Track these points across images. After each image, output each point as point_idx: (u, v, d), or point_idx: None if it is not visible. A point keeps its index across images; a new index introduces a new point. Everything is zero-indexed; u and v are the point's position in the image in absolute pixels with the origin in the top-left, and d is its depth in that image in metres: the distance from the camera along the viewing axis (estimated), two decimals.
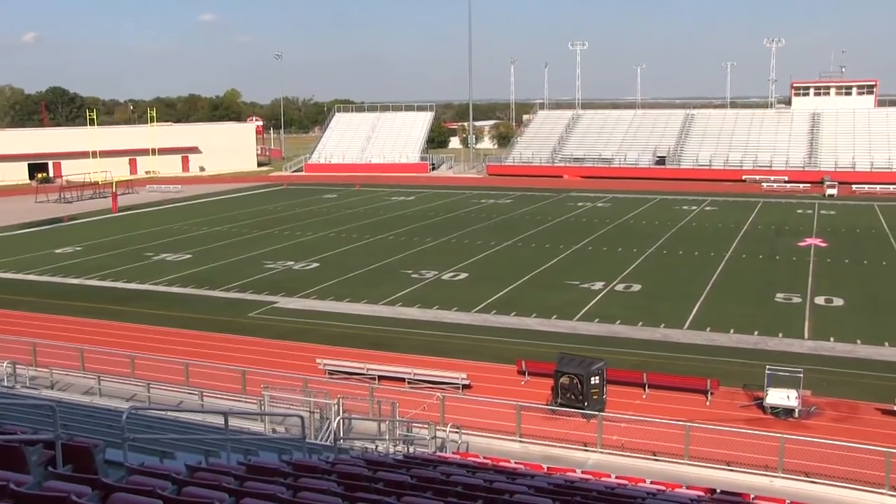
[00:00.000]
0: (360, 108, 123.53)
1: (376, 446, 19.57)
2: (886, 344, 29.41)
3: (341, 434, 19.78)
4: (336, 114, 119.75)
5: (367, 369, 26.57)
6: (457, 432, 21.34)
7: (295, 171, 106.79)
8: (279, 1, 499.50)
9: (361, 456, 15.31)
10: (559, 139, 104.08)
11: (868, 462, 18.91)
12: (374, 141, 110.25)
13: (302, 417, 16.40)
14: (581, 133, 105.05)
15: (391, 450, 19.40)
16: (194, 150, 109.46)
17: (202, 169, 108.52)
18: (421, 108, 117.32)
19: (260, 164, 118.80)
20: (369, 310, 35.25)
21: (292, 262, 45.48)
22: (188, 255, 48.12)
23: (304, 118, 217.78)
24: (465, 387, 25.57)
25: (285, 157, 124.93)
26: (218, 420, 15.62)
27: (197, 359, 27.50)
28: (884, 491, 18.40)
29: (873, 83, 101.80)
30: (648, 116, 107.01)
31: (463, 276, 41.80)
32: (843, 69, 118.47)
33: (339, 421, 20.15)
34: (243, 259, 46.77)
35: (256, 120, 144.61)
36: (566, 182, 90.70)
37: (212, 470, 9.32)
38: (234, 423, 17.84)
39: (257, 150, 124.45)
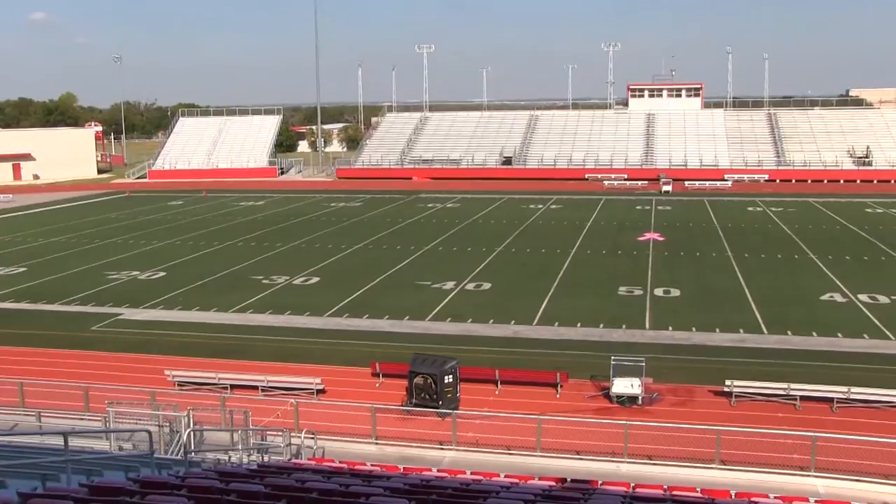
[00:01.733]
0: (206, 112, 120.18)
1: (229, 457, 19.14)
2: (717, 330, 31.25)
3: (192, 447, 19.22)
4: (180, 118, 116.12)
5: (219, 379, 25.95)
6: (312, 438, 21.14)
7: (138, 178, 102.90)
8: (119, 1, 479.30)
9: (214, 468, 14.95)
10: (408, 141, 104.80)
11: (703, 441, 20.05)
12: (221, 146, 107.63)
13: (150, 432, 15.82)
14: (429, 135, 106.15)
15: (245, 460, 19.02)
16: (27, 157, 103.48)
17: (36, 177, 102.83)
18: (268, 112, 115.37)
19: (100, 171, 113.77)
20: (219, 318, 34.43)
21: (137, 272, 43.80)
22: (21, 269, 45.47)
23: (146, 123, 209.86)
24: (320, 392, 25.40)
25: (128, 164, 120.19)
26: (58, 441, 14.85)
27: (34, 377, 26.01)
28: (714, 465, 19.56)
29: (699, 86, 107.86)
30: (495, 118, 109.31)
31: (315, 280, 41.45)
32: (674, 73, 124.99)
33: (189, 433, 19.56)
34: (84, 270, 44.65)
35: (95, 125, 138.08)
36: (415, 184, 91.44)
37: (49, 495, 8.89)
38: (76, 442, 17.03)
39: (97, 156, 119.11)
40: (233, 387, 25.70)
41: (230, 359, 28.68)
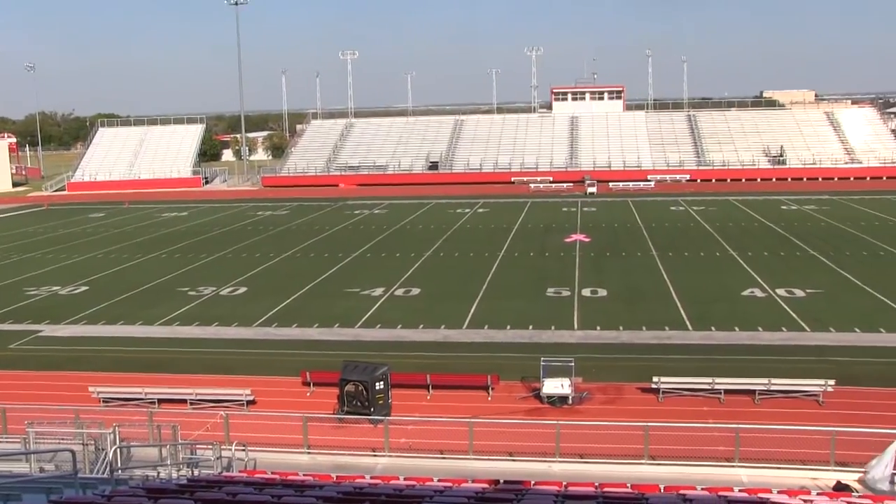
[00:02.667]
0: (126, 122, 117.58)
1: (158, 473, 18.76)
2: (644, 328, 31.86)
3: (119, 464, 18.78)
4: (100, 128, 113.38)
5: (146, 393, 25.42)
6: (243, 450, 20.85)
7: (56, 191, 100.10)
8: (31, 7, 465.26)
9: (141, 485, 14.65)
10: (333, 148, 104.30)
11: (632, 437, 20.42)
12: (143, 156, 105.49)
13: (73, 451, 15.41)
14: (355, 141, 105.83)
15: (174, 475, 18.67)
16: None
17: None
18: (191, 121, 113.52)
19: (15, 185, 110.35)
20: (145, 331, 33.74)
21: (58, 287, 42.61)
22: None
23: (64, 134, 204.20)
24: (250, 403, 25.09)
25: (45, 176, 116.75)
26: None
27: None
28: (643, 461, 19.94)
29: (621, 89, 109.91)
30: (420, 123, 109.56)
31: (242, 290, 40.92)
32: (596, 76, 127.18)
33: (115, 450, 19.11)
34: (1, 287, 43.24)
35: (8, 136, 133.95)
36: (342, 191, 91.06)
37: None
38: None
39: (11, 169, 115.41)
40: (161, 401, 25.21)
41: (157, 373, 28.10)
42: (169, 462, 20.02)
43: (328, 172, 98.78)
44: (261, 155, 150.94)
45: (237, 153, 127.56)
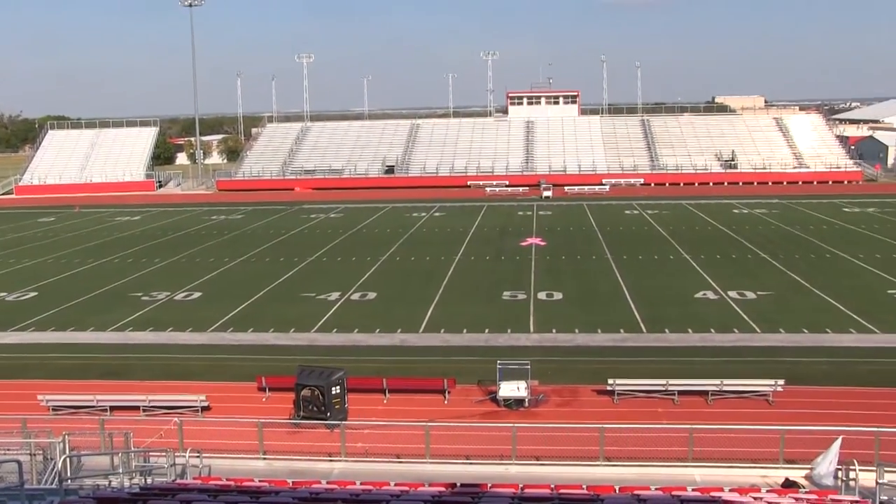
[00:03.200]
0: (77, 124, 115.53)
1: (109, 482, 18.48)
2: (599, 331, 32.16)
3: (69, 474, 18.45)
4: (49, 131, 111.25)
5: (98, 401, 25.02)
6: (197, 457, 20.61)
7: (4, 195, 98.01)
8: None
9: (92, 494, 14.42)
10: (289, 152, 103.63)
11: (588, 439, 20.59)
12: (94, 159, 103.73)
13: (19, 462, 15.11)
14: (311, 145, 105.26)
15: (126, 483, 18.41)
16: None
17: None
18: (144, 124, 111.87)
19: None
20: (97, 338, 33.21)
21: (5, 294, 41.76)
22: None
23: (11, 136, 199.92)
24: (205, 409, 24.82)
25: None
26: None
27: None
28: (599, 462, 20.12)
29: (576, 94, 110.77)
30: (376, 127, 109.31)
31: (197, 295, 40.48)
32: (551, 81, 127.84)
33: (64, 460, 18.77)
34: None
35: None
36: (298, 194, 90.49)
37: None
38: None
39: None
40: (113, 409, 24.84)
41: (110, 380, 27.70)
42: (121, 470, 19.73)
43: (284, 176, 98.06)
44: (216, 158, 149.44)
45: (191, 157, 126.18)
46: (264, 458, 21.60)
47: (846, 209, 68.08)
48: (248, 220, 69.65)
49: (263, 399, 25.93)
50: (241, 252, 52.69)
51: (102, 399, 25.10)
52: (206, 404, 24.84)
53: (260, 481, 17.58)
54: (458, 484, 16.63)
